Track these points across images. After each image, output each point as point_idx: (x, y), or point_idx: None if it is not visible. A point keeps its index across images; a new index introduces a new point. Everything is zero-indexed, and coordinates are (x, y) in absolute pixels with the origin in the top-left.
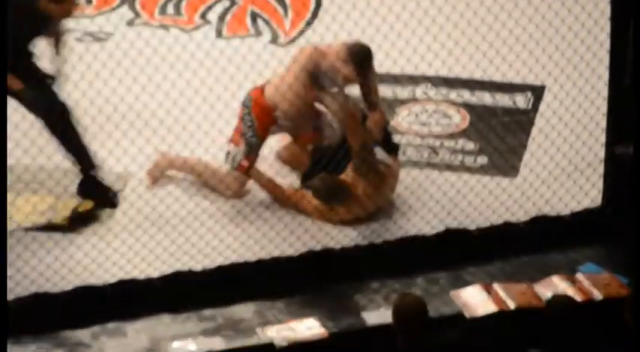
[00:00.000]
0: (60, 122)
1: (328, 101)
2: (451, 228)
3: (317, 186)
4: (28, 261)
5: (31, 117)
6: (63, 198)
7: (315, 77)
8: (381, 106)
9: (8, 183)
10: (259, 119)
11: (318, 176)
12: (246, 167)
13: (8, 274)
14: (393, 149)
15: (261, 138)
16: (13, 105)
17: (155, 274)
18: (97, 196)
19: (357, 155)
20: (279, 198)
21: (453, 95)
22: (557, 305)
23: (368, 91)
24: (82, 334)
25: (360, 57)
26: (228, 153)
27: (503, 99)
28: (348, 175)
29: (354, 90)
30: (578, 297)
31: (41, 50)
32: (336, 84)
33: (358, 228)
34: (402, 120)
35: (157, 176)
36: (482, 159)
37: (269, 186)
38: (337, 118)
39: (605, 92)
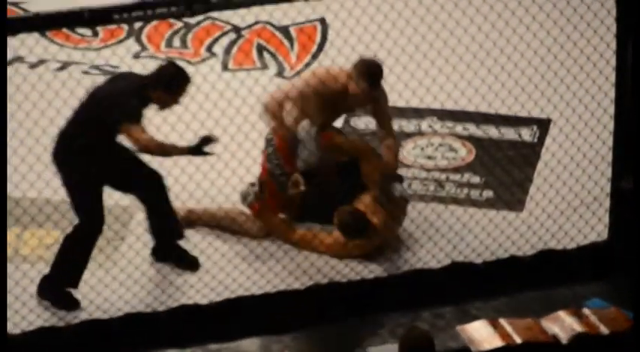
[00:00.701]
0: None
1: (341, 139)
2: (457, 261)
3: (345, 221)
4: (34, 295)
5: (37, 150)
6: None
7: (328, 100)
8: (394, 135)
9: (15, 216)
10: (284, 154)
11: (343, 210)
12: (259, 207)
13: (14, 308)
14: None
15: (289, 174)
16: (19, 136)
17: (161, 308)
18: (176, 261)
19: (378, 185)
20: (290, 240)
21: (459, 128)
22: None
23: (382, 117)
24: None
25: (370, 69)
26: (242, 192)
27: (509, 133)
28: (364, 206)
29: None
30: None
31: None
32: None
33: (364, 262)
34: (408, 153)
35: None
36: (488, 193)
37: (279, 228)
38: (350, 147)
39: (611, 126)
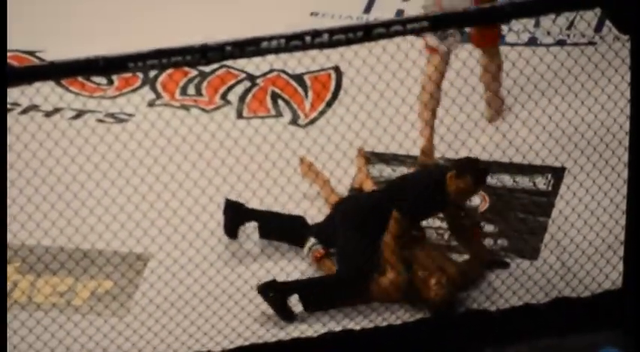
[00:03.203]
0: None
1: None
2: (472, 309)
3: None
4: (47, 343)
5: (51, 197)
6: (82, 280)
7: None
8: None
9: (29, 264)
10: None
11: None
12: (320, 256)
13: None
14: None
15: None
16: (35, 184)
17: None
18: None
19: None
20: (376, 292)
21: None
22: None
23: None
24: None
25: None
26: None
27: (524, 181)
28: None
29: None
30: None
31: None
32: None
33: (377, 310)
34: None
35: None
36: (503, 242)
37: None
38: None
39: (625, 174)
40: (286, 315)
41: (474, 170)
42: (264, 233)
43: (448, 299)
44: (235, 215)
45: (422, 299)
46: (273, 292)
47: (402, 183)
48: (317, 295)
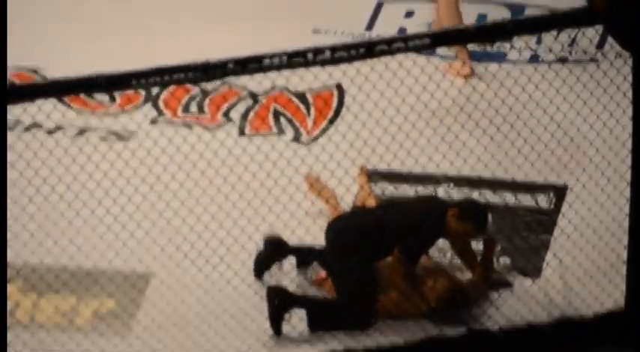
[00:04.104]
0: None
1: None
2: (473, 329)
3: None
4: None
5: (54, 216)
6: (85, 299)
7: None
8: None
9: (31, 283)
10: None
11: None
12: (322, 279)
13: None
14: None
15: None
16: (37, 202)
17: None
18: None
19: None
20: (386, 309)
21: (475, 195)
22: None
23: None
24: None
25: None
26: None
27: (525, 199)
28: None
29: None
30: None
31: None
32: None
33: (380, 328)
34: None
35: None
36: (505, 259)
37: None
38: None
39: (627, 193)
40: (277, 327)
41: (478, 218)
42: (302, 265)
43: (452, 300)
44: (274, 252)
45: (425, 303)
46: (280, 299)
47: (401, 216)
48: (323, 316)
